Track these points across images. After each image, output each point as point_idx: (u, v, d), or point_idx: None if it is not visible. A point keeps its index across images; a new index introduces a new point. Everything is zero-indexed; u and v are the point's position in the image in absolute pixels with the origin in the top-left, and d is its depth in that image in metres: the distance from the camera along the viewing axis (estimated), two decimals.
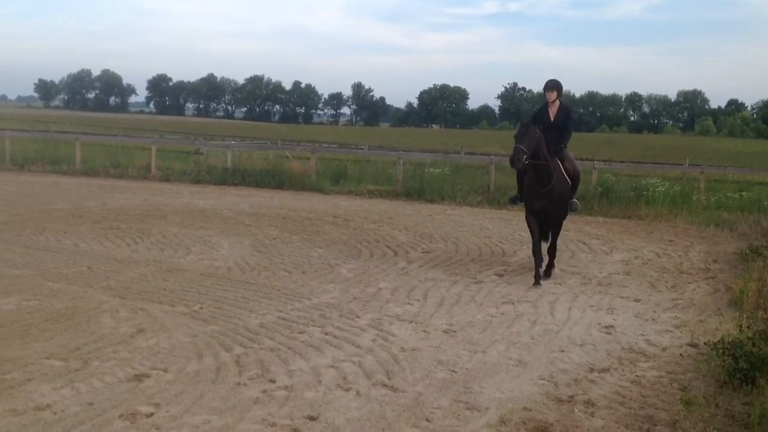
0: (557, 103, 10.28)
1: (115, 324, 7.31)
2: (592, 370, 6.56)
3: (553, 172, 9.84)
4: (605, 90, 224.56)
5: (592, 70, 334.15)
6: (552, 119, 10.23)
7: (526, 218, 10.35)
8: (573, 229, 14.55)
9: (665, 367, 6.72)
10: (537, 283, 9.73)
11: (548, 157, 9.78)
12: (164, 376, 5.94)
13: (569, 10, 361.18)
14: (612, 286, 9.94)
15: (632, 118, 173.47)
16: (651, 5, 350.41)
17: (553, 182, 9.86)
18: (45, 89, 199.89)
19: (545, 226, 10.36)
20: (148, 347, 6.64)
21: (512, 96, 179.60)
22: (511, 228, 14.78)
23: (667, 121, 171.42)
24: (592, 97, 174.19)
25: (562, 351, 7.06)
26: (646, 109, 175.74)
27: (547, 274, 10.25)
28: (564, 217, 10.47)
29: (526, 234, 14.02)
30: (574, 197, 10.60)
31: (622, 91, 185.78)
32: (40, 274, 9.26)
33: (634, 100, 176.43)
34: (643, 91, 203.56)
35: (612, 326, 7.97)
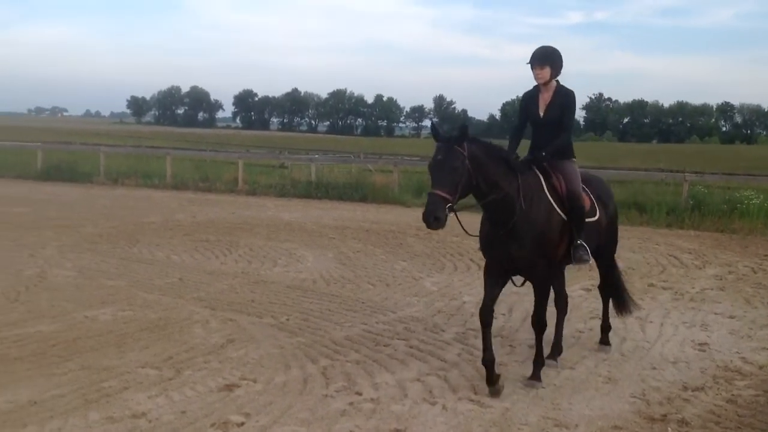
0: (552, 85, 6.63)
1: (206, 334, 7.49)
2: (685, 388, 6.36)
3: (516, 201, 6.03)
4: (695, 100, 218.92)
5: (681, 79, 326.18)
6: (542, 113, 6.65)
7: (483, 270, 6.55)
8: (663, 243, 14.18)
9: (762, 386, 6.47)
10: (492, 386, 6.06)
11: (500, 182, 5.95)
12: (253, 386, 6.05)
13: (656, 19, 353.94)
14: (705, 302, 9.62)
15: (724, 129, 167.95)
16: (741, 12, 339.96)
17: (516, 217, 6.04)
18: (137, 106, 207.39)
19: (506, 277, 6.51)
20: (238, 357, 6.78)
21: (597, 107, 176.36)
22: None
23: (761, 131, 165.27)
24: (681, 107, 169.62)
25: (654, 368, 6.87)
26: (738, 119, 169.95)
27: (539, 365, 6.47)
28: (548, 274, 6.38)
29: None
30: (580, 237, 6.44)
31: (713, 101, 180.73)
32: (134, 285, 9.57)
33: (725, 109, 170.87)
34: (735, 101, 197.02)
35: (706, 343, 7.72)
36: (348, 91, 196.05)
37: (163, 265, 10.92)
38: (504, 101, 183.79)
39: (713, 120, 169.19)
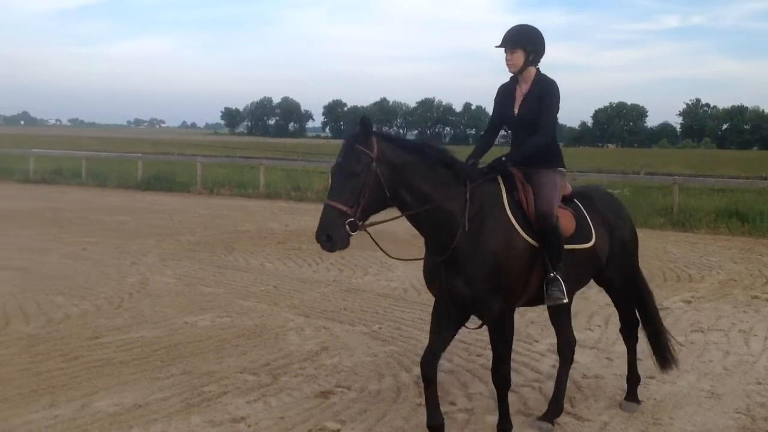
0: (531, 75, 5.27)
1: (301, 341, 7.62)
2: None
3: (459, 219, 4.79)
4: None
5: None
6: (516, 109, 5.32)
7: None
8: (767, 254, 13.61)
9: None
10: None
11: (431, 192, 4.73)
12: (348, 394, 6.11)
13: (756, 22, 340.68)
14: None
15: None
16: None
17: (458, 240, 4.79)
18: (230, 117, 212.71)
19: (459, 322, 5.20)
20: (332, 365, 6.86)
21: (695, 113, 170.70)
22: (697, 252, 14.02)
23: None
24: None
25: (759, 383, 6.60)
26: None
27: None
28: (505, 317, 4.94)
29: (716, 259, 13.33)
30: (557, 269, 4.99)
31: None
32: (231, 292, 9.81)
33: None
34: None
35: None
36: (436, 100, 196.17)
37: (257, 273, 11.15)
38: (596, 108, 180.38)
39: None
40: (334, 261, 12.23)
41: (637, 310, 6.16)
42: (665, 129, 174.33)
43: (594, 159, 70.48)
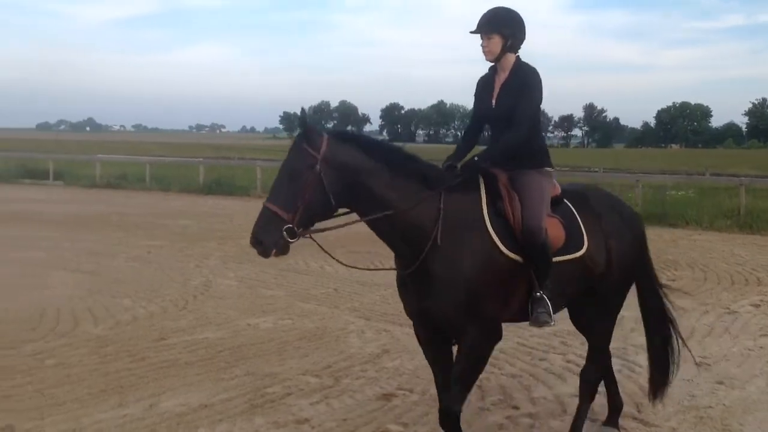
0: (509, 63, 4.66)
1: (362, 344, 7.64)
2: None
3: (430, 229, 4.25)
4: None
5: None
6: (494, 101, 4.69)
7: None
8: None
9: None
10: None
11: (390, 197, 4.20)
12: (410, 396, 6.11)
13: None
14: None
15: None
16: None
17: (426, 254, 4.27)
18: (289, 121, 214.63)
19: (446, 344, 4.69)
20: (393, 368, 6.87)
21: (761, 112, 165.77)
22: (766, 255, 13.65)
23: None
24: None
25: None
26: None
27: None
28: (480, 343, 4.45)
29: None
30: (544, 288, 4.48)
31: None
32: (292, 295, 9.91)
33: None
34: None
35: None
36: None
37: (318, 276, 11.24)
38: (659, 108, 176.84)
39: None
40: (393, 264, 12.21)
41: (650, 322, 5.52)
42: (730, 129, 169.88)
43: (657, 160, 69.20)
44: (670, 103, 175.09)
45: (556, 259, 4.49)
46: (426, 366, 6.80)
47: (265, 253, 4.09)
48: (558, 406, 5.93)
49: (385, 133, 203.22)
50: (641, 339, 7.85)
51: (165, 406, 5.80)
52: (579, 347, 7.54)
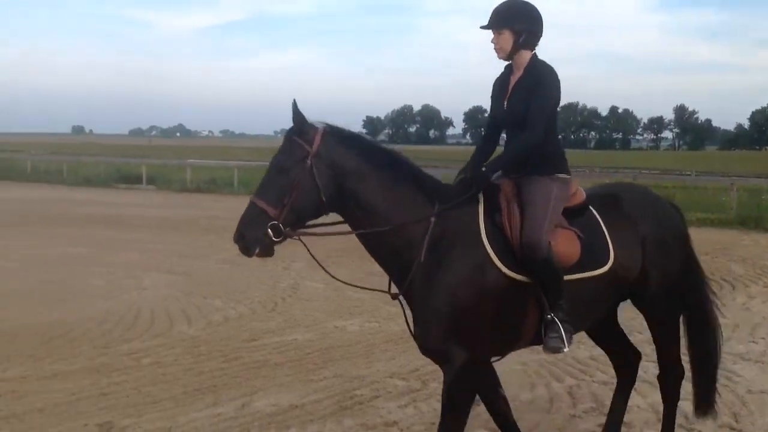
0: (524, 61, 4.24)
1: None
2: None
3: (418, 246, 3.99)
4: None
5: None
6: (506, 102, 4.30)
7: None
8: None
9: None
10: None
11: (383, 208, 4.01)
12: None
13: None
14: None
15: None
16: None
17: (413, 273, 4.01)
18: (372, 125, 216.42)
19: None
20: None
21: None
22: None
23: None
24: None
25: None
26: None
27: None
28: (463, 371, 4.04)
29: None
30: (555, 309, 4.04)
31: None
32: (378, 298, 9.89)
33: None
34: None
35: None
36: (580, 104, 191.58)
37: None
38: (753, 109, 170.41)
39: None
40: None
41: (693, 326, 4.94)
42: None
43: (750, 163, 66.72)
44: (765, 104, 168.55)
45: (569, 277, 4.06)
46: (514, 371, 6.78)
47: (247, 250, 3.86)
48: (653, 414, 5.79)
49: (468, 136, 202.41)
50: (739, 347, 7.63)
51: (257, 405, 5.92)
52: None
